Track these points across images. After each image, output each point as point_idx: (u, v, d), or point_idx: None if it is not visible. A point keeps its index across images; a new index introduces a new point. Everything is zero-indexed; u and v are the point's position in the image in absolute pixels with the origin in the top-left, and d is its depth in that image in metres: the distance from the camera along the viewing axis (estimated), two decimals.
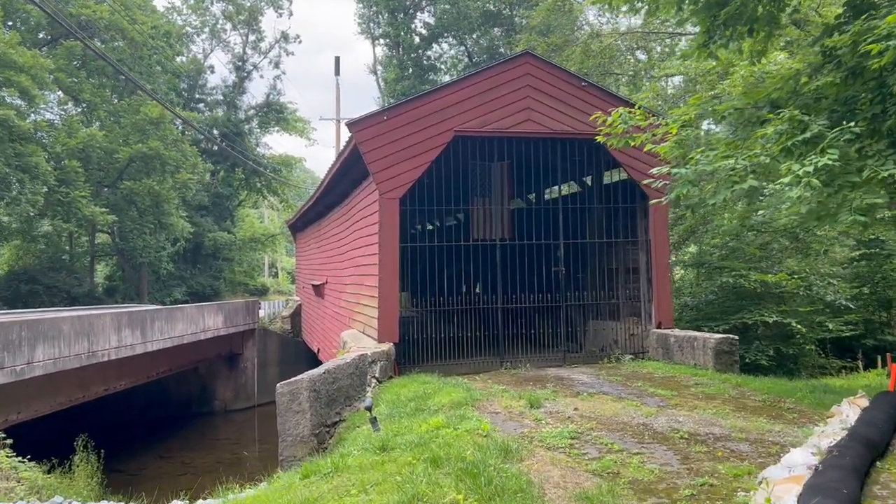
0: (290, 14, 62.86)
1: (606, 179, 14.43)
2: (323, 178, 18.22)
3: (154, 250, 36.13)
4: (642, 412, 7.86)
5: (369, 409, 8.19)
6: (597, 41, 20.29)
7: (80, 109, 36.34)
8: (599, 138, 9.26)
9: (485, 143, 12.88)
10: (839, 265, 18.38)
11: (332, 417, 9.71)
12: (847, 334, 15.39)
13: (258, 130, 57.11)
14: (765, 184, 9.76)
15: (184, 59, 48.62)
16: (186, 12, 51.37)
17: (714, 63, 12.75)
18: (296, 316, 31.62)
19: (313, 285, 24.70)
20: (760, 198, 18.59)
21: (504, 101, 12.54)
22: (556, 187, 15.99)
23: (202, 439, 23.68)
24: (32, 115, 29.75)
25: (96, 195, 31.88)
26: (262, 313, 30.87)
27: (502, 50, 46.40)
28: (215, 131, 52.52)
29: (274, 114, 55.11)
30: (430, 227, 25.78)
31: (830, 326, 15.07)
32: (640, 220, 13.85)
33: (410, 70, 45.09)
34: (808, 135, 7.24)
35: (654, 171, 7.99)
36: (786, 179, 6.91)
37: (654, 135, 9.11)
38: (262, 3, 53.51)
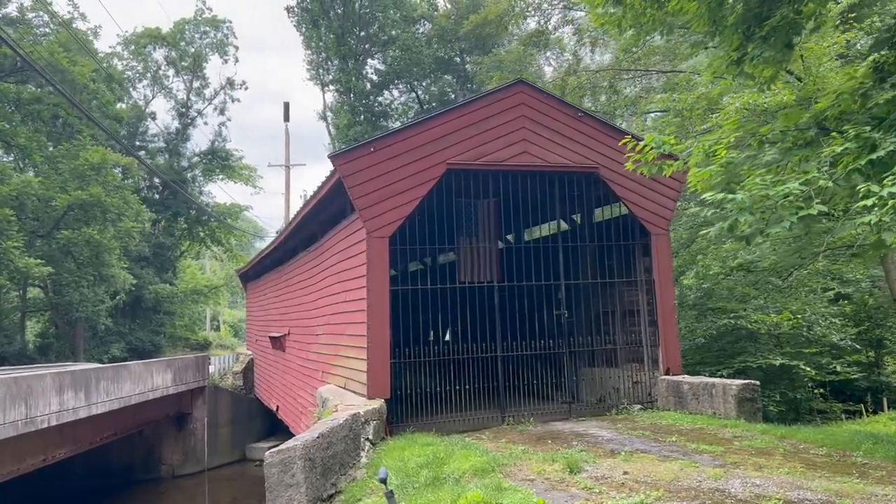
0: (236, 60, 62.17)
1: (604, 215, 13.60)
2: (290, 220, 16.96)
3: (92, 304, 33.68)
4: (706, 473, 6.78)
5: (384, 481, 6.87)
6: (573, 78, 19.86)
7: (11, 157, 34.15)
8: (629, 165, 8.39)
9: (479, 177, 11.89)
10: (821, 304, 17.90)
11: (327, 489, 8.32)
12: (855, 376, 14.81)
13: (202, 178, 55.25)
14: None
15: (123, 104, 46.74)
16: (127, 57, 49.71)
17: (730, 84, 12.12)
18: (248, 371, 29.72)
19: (271, 337, 23.08)
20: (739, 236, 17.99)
21: (499, 131, 11.64)
22: (544, 225, 15.11)
23: None
24: None
25: (29, 246, 29.60)
26: (211, 369, 28.82)
27: (452, 96, 46.23)
28: (157, 180, 50.48)
29: (219, 161, 53.41)
30: (394, 270, 24.52)
31: (838, 368, 14.43)
32: (638, 258, 13.03)
33: (362, 116, 44.32)
34: (881, 153, 6.50)
35: (708, 195, 7.09)
36: (868, 202, 6.11)
37: (685, 162, 8.28)
38: (207, 50, 52.34)
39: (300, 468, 7.79)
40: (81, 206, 29.93)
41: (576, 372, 13.91)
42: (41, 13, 34.10)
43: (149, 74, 50.01)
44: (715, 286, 17.08)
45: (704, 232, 7.28)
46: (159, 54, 50.53)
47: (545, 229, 15.23)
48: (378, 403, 10.45)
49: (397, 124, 48.66)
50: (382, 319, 10.85)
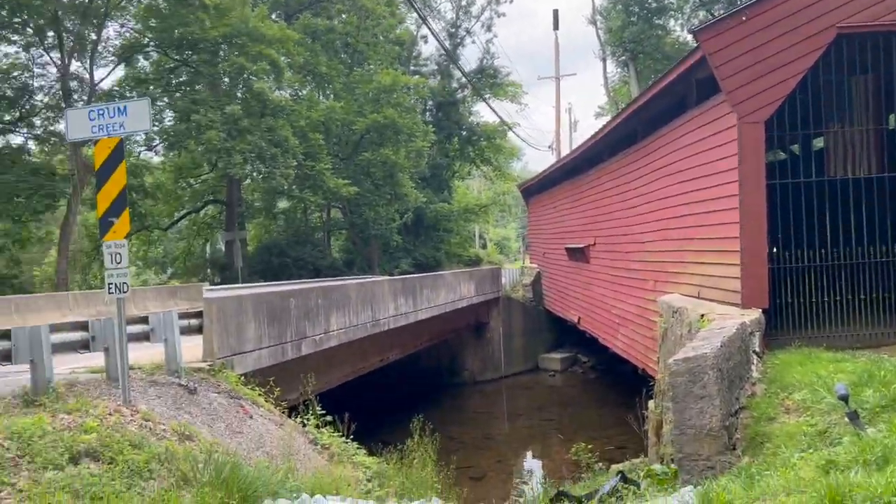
0: None
1: None
2: (605, 124, 15.88)
3: (385, 222, 36.03)
4: None
5: (845, 399, 5.71)
6: None
7: (312, 85, 36.92)
8: None
9: (872, 42, 9.69)
10: None
11: (733, 404, 7.36)
12: None
13: (470, 99, 55.99)
14: None
15: (399, 29, 48.43)
16: None
17: None
18: (536, 284, 29.78)
19: (569, 249, 22.53)
20: None
21: None
22: None
23: (458, 413, 22.56)
24: (276, 90, 30.28)
25: (333, 168, 32.13)
26: (502, 280, 29.35)
27: None
28: (430, 102, 52.11)
29: (487, 79, 53.60)
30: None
31: None
32: None
33: (636, 16, 41.18)
34: None
35: None
36: None
37: None
38: None
39: (712, 379, 6.88)
40: (377, 128, 31.55)
41: None
42: None
43: None
44: None
45: None
46: None
47: None
48: (756, 314, 9.19)
49: (672, 22, 44.63)
50: (758, 219, 9.43)
